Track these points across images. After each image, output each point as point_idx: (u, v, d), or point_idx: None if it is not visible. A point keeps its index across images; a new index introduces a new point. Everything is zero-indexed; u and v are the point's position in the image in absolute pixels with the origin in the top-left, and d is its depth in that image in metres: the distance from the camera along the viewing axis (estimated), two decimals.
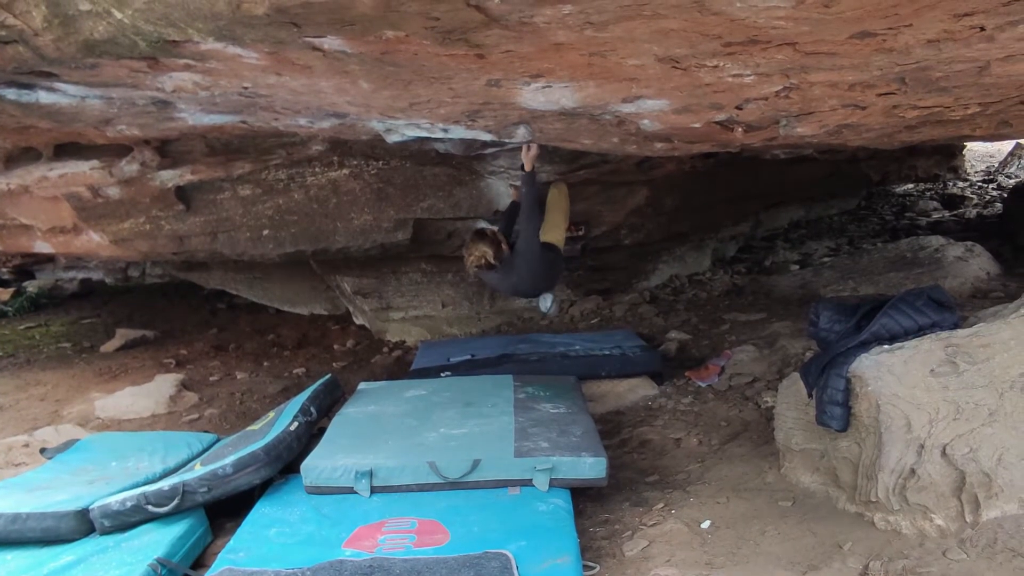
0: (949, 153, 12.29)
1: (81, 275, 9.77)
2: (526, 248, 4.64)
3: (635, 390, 5.41)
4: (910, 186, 12.17)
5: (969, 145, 12.73)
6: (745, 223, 9.39)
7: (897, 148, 4.42)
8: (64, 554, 3.62)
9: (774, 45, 2.39)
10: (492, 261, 4.59)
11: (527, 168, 4.53)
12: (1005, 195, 10.13)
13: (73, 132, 4.52)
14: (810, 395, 3.59)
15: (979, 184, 12.01)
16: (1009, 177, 12.01)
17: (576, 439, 4.00)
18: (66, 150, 5.14)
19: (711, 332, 6.50)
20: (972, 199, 10.99)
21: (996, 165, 13.01)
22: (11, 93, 3.45)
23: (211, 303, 10.01)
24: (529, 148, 4.47)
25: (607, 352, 5.72)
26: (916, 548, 3.02)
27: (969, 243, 7.04)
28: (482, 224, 5.02)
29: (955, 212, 10.38)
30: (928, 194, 11.62)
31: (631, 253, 7.72)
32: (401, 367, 6.78)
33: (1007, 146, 12.85)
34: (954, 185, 12.10)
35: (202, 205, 5.82)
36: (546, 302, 5.03)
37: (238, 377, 7.08)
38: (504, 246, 4.67)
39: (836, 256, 8.51)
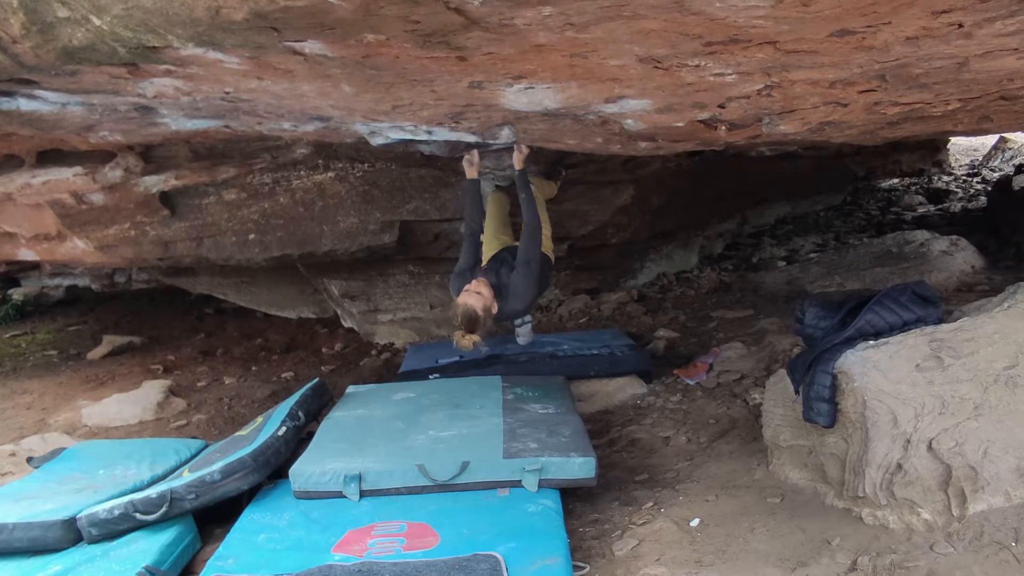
0: (933, 147, 12.34)
1: (67, 282, 9.69)
2: (527, 271, 4.18)
3: (624, 389, 5.41)
4: (895, 181, 12.22)
5: (953, 139, 12.78)
6: (732, 220, 9.41)
7: (881, 144, 4.45)
8: (52, 564, 3.59)
9: (755, 44, 2.40)
10: (481, 342, 4.04)
11: (518, 167, 4.44)
12: (989, 188, 10.18)
13: (55, 139, 4.49)
14: (797, 392, 3.60)
15: (963, 178, 12.06)
16: (993, 171, 12.05)
17: (565, 439, 4.00)
18: (49, 157, 5.11)
19: (699, 330, 6.51)
20: (957, 193, 11.03)
21: (980, 159, 13.07)
22: None
23: (198, 308, 9.96)
24: (520, 149, 4.42)
25: (595, 351, 5.73)
26: (904, 543, 3.03)
27: (954, 237, 7.07)
28: (469, 303, 4.00)
29: (940, 206, 10.42)
30: (913, 188, 11.67)
31: (618, 252, 7.74)
32: (390, 370, 6.77)
33: (991, 140, 12.91)
34: (939, 179, 12.15)
35: (187, 210, 5.79)
36: (526, 329, 4.86)
37: (226, 382, 7.06)
38: (494, 308, 4.08)
39: (822, 252, 8.53)
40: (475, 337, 3.98)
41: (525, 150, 4.41)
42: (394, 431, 4.33)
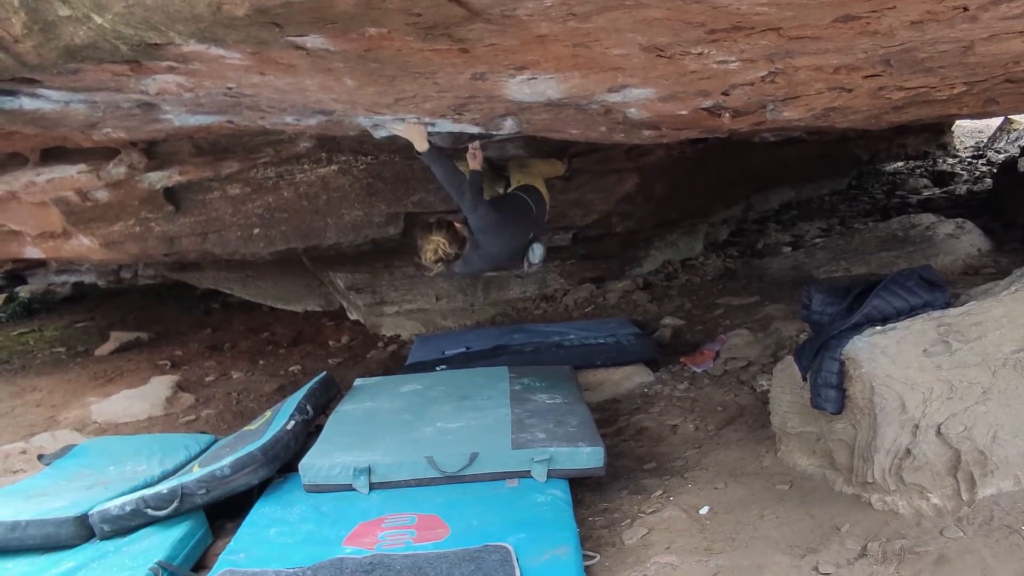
0: (938, 130, 12.29)
1: (73, 279, 9.71)
2: (478, 220, 4.24)
3: (631, 378, 5.42)
4: (900, 164, 12.19)
5: (958, 121, 12.74)
6: (736, 206, 9.39)
7: (886, 128, 4.43)
8: (65, 560, 3.63)
9: (758, 31, 2.39)
10: (450, 251, 4.17)
11: (473, 167, 4.42)
12: (995, 171, 10.14)
13: (59, 136, 4.49)
14: (804, 378, 3.60)
15: (969, 160, 12.01)
16: (998, 152, 12.01)
17: (573, 429, 4.00)
18: (53, 154, 5.11)
19: (705, 317, 6.51)
20: (962, 175, 10.99)
21: (985, 140, 13.02)
22: None
23: (205, 303, 9.99)
24: (475, 155, 4.43)
25: (602, 341, 5.73)
26: (913, 528, 3.03)
27: (960, 220, 7.06)
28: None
29: (945, 189, 10.38)
30: (918, 171, 11.63)
31: (623, 240, 7.72)
32: (396, 361, 6.78)
33: (996, 121, 12.86)
34: (944, 162, 12.11)
35: (191, 206, 5.79)
36: (535, 255, 4.64)
37: (234, 377, 7.08)
38: (459, 226, 4.24)
39: (828, 237, 8.52)
40: (438, 238, 4.13)
41: (479, 155, 4.46)
42: (402, 423, 4.34)
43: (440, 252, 4.16)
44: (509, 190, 4.86)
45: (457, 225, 4.24)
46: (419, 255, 4.25)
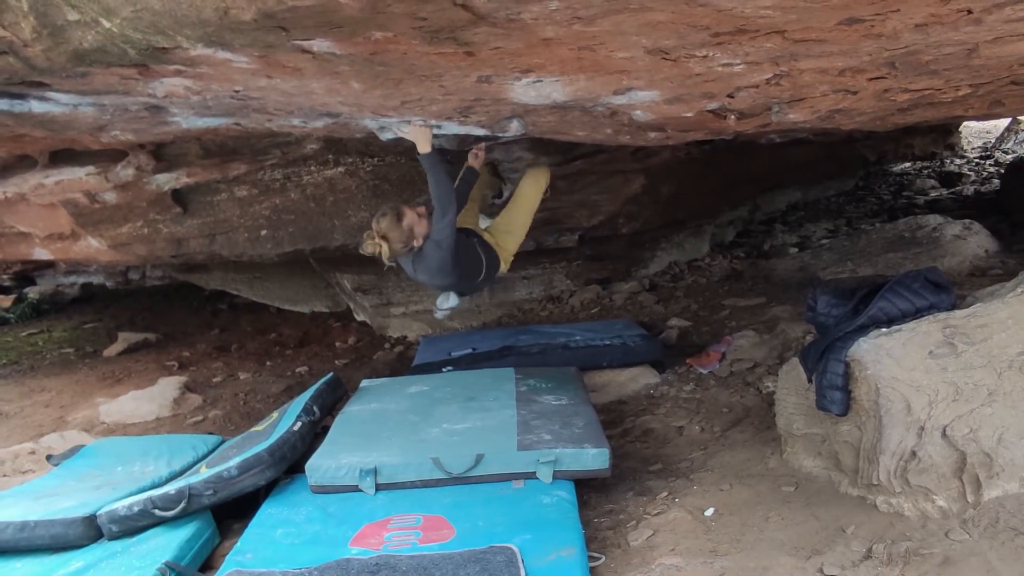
0: (945, 131, 12.25)
1: (82, 280, 9.78)
2: (435, 249, 4.06)
3: (636, 379, 5.42)
4: (907, 165, 12.15)
5: (965, 122, 12.70)
6: (743, 207, 9.38)
7: (892, 129, 4.43)
8: (73, 560, 3.64)
9: (762, 34, 2.40)
10: (386, 258, 4.00)
11: (473, 164, 4.38)
12: (1002, 171, 10.11)
13: (67, 139, 4.51)
14: (810, 380, 3.60)
15: (976, 161, 11.97)
16: (1006, 153, 11.97)
17: (579, 430, 4.01)
18: (61, 156, 5.14)
19: (711, 318, 6.51)
20: (969, 176, 10.96)
21: (993, 141, 12.98)
22: (3, 104, 3.45)
23: (212, 304, 10.02)
24: (477, 156, 4.41)
25: (608, 342, 5.73)
26: (919, 530, 3.03)
27: (967, 221, 7.03)
28: (401, 208, 4.08)
29: (953, 190, 10.35)
30: (925, 172, 11.59)
31: (629, 241, 7.72)
32: (403, 362, 6.79)
33: (1004, 122, 12.81)
34: (951, 162, 12.07)
35: (199, 207, 5.83)
36: (447, 301, 4.48)
37: (241, 377, 7.10)
38: (416, 241, 4.06)
39: (834, 238, 8.50)
40: (382, 244, 3.95)
41: (482, 155, 4.46)
42: (408, 424, 4.35)
43: (379, 251, 4.00)
44: (486, 236, 4.61)
45: (415, 244, 4.06)
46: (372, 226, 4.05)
